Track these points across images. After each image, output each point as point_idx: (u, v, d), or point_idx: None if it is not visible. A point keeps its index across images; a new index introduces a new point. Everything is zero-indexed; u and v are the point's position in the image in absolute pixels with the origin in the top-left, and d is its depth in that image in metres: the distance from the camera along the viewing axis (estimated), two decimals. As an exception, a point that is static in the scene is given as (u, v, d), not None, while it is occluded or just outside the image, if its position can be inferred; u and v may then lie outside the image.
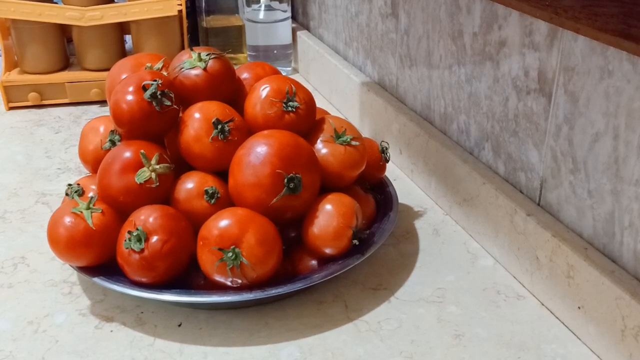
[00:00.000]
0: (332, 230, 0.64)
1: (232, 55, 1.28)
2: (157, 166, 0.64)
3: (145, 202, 0.63)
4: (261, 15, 1.20)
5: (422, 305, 0.65)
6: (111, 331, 0.62)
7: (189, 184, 0.65)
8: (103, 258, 0.64)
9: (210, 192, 0.65)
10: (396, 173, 0.89)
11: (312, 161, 0.65)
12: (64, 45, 1.16)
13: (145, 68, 0.74)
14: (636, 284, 0.53)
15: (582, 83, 0.57)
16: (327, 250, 0.64)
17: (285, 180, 0.62)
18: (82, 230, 0.62)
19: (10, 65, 1.14)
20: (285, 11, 1.21)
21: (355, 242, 0.64)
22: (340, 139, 0.69)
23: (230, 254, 0.59)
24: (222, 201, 0.65)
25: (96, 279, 0.62)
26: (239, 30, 1.28)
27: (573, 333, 0.60)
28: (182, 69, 0.69)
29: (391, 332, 0.61)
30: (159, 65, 0.75)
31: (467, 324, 0.62)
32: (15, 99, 1.12)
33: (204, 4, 1.27)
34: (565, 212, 0.62)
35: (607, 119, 0.55)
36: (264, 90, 0.68)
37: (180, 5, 1.11)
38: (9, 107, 1.12)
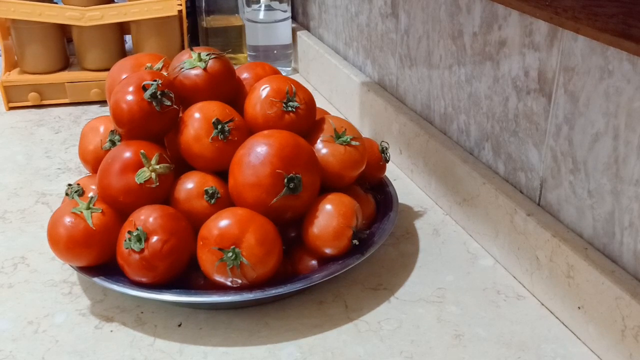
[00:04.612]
0: (332, 230, 0.64)
1: (232, 55, 1.28)
2: (157, 166, 0.64)
3: (145, 202, 0.63)
4: (261, 15, 1.20)
5: (422, 305, 0.65)
6: (111, 331, 0.62)
7: (189, 184, 0.65)
8: (103, 258, 0.64)
9: (210, 192, 0.65)
10: (396, 173, 0.89)
11: (312, 161, 0.65)
12: (64, 45, 1.16)
13: (145, 68, 0.74)
14: (636, 284, 0.53)
15: (582, 83, 0.57)
16: (327, 250, 0.64)
17: (285, 180, 0.62)
18: (82, 230, 0.62)
19: (10, 65, 1.14)
20: (285, 11, 1.21)
21: (355, 242, 0.64)
22: (340, 139, 0.69)
23: (230, 254, 0.59)
24: (222, 201, 0.65)
25: (96, 279, 0.62)
26: (239, 30, 1.28)
27: (573, 333, 0.60)
28: (182, 69, 0.69)
29: (391, 332, 0.61)
30: (159, 65, 0.75)
31: (467, 324, 0.62)
32: (15, 99, 1.12)
33: (204, 4, 1.27)
34: (565, 212, 0.62)
35: (607, 119, 0.55)
36: (264, 90, 0.68)
37: (180, 5, 1.11)
38: (9, 107, 1.12)
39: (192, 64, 0.69)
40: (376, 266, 0.71)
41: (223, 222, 0.60)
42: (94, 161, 0.72)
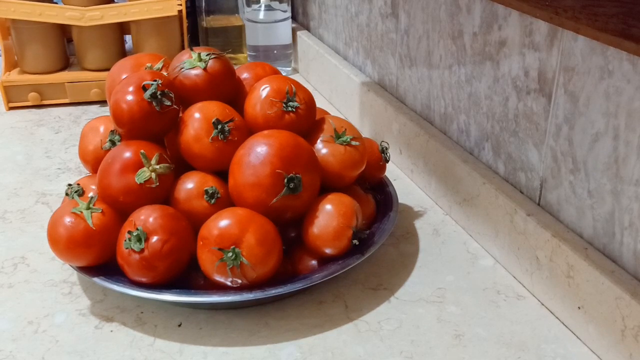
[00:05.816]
0: (332, 230, 0.64)
1: (232, 55, 1.28)
2: (157, 166, 0.64)
3: (145, 202, 0.63)
4: (261, 15, 1.20)
5: (422, 305, 0.65)
6: (111, 331, 0.62)
7: (189, 184, 0.65)
8: (103, 258, 0.64)
9: (210, 192, 0.65)
10: (396, 173, 0.89)
11: (312, 161, 0.65)
12: (64, 45, 1.16)
13: (145, 68, 0.74)
14: (636, 284, 0.53)
15: (582, 83, 0.57)
16: (327, 250, 0.64)
17: (285, 180, 0.62)
18: (82, 230, 0.62)
19: (10, 65, 1.14)
20: (285, 11, 1.21)
21: (355, 242, 0.64)
22: (340, 139, 0.69)
23: (230, 254, 0.59)
24: (222, 201, 0.65)
25: (96, 279, 0.62)
26: (239, 30, 1.28)
27: (573, 333, 0.60)
28: (182, 69, 0.69)
29: (391, 332, 0.61)
30: (159, 65, 0.75)
31: (467, 324, 0.62)
32: (15, 99, 1.12)
33: (204, 4, 1.27)
34: (565, 212, 0.62)
35: (607, 119, 0.55)
36: (264, 90, 0.68)
37: (180, 5, 1.11)
38: (9, 107, 1.12)
39: (192, 64, 0.69)
40: (376, 266, 0.71)
41: (223, 222, 0.60)
42: (94, 161, 0.72)
